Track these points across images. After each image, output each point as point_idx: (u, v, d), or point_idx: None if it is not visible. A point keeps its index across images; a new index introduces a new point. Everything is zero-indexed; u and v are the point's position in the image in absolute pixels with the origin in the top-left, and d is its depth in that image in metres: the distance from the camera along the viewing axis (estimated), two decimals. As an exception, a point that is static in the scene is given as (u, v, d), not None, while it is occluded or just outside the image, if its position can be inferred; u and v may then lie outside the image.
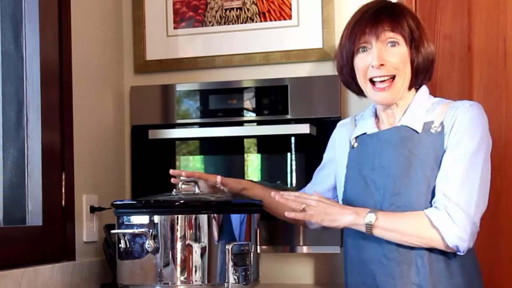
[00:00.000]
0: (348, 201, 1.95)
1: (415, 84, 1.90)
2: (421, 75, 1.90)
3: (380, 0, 1.93)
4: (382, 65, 1.84)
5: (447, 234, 1.77)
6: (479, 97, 2.34)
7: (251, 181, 2.28)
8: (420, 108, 1.89)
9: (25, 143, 2.11)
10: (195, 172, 2.10)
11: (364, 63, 1.86)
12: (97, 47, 2.42)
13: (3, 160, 2.07)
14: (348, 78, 1.95)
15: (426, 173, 1.82)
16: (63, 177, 2.18)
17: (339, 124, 2.10)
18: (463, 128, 1.82)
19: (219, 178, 2.06)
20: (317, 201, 1.85)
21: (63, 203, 2.18)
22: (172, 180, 2.10)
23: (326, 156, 2.12)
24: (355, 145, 1.96)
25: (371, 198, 1.88)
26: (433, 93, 2.36)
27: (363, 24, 1.86)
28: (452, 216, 1.76)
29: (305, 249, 2.35)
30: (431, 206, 1.81)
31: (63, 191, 2.18)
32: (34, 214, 2.10)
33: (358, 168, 1.93)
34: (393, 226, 1.80)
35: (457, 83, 2.37)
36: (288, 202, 1.87)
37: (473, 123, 1.82)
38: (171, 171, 2.09)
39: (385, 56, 1.84)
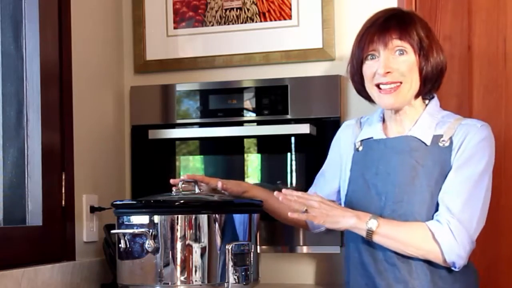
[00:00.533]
0: (350, 204, 1.95)
1: (423, 92, 1.91)
2: (429, 83, 1.90)
3: (391, 9, 1.94)
4: (388, 72, 1.84)
5: (447, 250, 1.79)
6: (479, 97, 2.34)
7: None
8: (431, 121, 1.90)
9: (25, 143, 2.11)
10: (196, 175, 2.10)
11: (371, 70, 1.88)
12: (97, 47, 2.42)
13: (3, 160, 2.07)
14: (359, 86, 1.95)
15: (430, 184, 1.84)
16: (63, 177, 2.18)
17: (344, 124, 2.10)
18: (473, 148, 1.84)
19: (219, 184, 2.06)
20: (319, 203, 1.85)
21: (63, 203, 2.18)
22: (173, 188, 2.10)
23: (329, 157, 2.11)
24: (360, 148, 1.97)
25: (372, 203, 1.89)
26: (433, 93, 2.37)
27: (372, 32, 1.87)
28: (454, 232, 1.79)
29: (305, 249, 2.35)
30: (432, 217, 1.83)
31: (63, 191, 2.18)
32: (34, 214, 2.10)
33: (361, 172, 1.94)
34: (393, 234, 1.81)
35: (457, 83, 2.37)
36: (291, 203, 1.87)
37: (482, 145, 1.85)
38: (172, 181, 2.09)
39: (392, 64, 1.85)
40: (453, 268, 1.83)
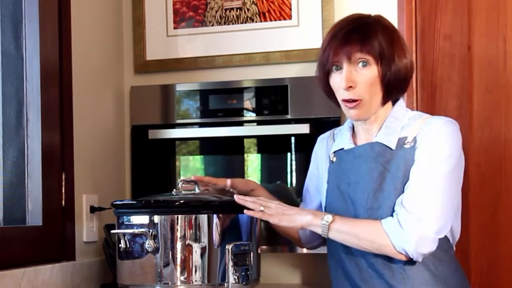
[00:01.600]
0: None
1: (388, 100, 1.91)
2: (393, 91, 1.90)
3: (353, 19, 1.92)
4: (351, 87, 1.85)
5: (393, 237, 1.78)
6: (479, 97, 2.34)
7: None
8: (396, 124, 1.90)
9: (25, 143, 2.11)
10: (204, 177, 2.09)
11: (337, 82, 1.89)
12: (97, 47, 2.42)
13: (3, 160, 2.07)
14: (327, 91, 1.96)
15: (396, 187, 1.83)
16: (63, 177, 2.18)
17: (319, 138, 2.11)
18: (432, 141, 1.83)
19: (228, 182, 2.06)
20: (276, 204, 1.90)
21: (63, 203, 2.18)
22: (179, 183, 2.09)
23: (309, 171, 2.12)
24: (334, 160, 1.98)
25: (347, 213, 1.89)
26: (433, 93, 2.38)
27: (335, 46, 1.87)
28: (400, 221, 1.78)
29: (304, 249, 2.35)
30: None
31: (63, 191, 2.18)
32: (34, 214, 2.10)
33: (336, 183, 1.95)
34: (348, 230, 1.82)
35: (457, 83, 2.37)
36: (247, 203, 1.90)
37: (443, 138, 1.83)
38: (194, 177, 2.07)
39: (354, 77, 1.85)
40: (415, 260, 1.80)
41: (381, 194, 1.84)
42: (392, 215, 1.81)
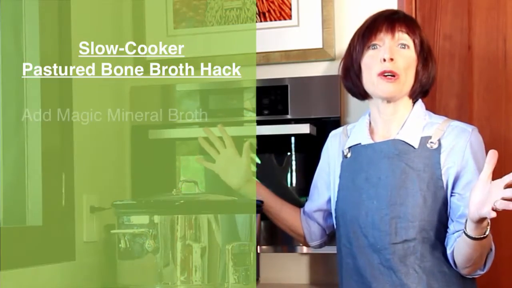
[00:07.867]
0: (340, 210, 1.97)
1: (415, 92, 1.93)
2: (423, 85, 1.93)
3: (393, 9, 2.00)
4: (392, 59, 1.86)
5: (490, 258, 1.84)
6: (479, 97, 2.34)
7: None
8: (418, 123, 1.92)
9: (25, 143, 2.11)
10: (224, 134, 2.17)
11: (374, 58, 1.89)
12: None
13: (3, 160, 2.07)
14: (354, 79, 1.96)
15: (422, 187, 1.84)
16: (63, 177, 2.18)
17: (331, 134, 2.11)
18: (476, 152, 1.87)
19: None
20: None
21: (63, 203, 2.18)
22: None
23: (319, 167, 2.12)
24: (348, 155, 1.98)
25: (363, 207, 1.89)
26: (433, 93, 2.37)
27: (380, 22, 1.90)
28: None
29: (305, 249, 2.35)
30: (425, 220, 1.83)
31: (63, 191, 2.17)
32: (34, 214, 2.10)
33: (351, 178, 1.95)
34: (485, 245, 1.79)
35: (457, 83, 2.37)
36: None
37: (482, 147, 1.89)
38: (205, 129, 2.16)
39: (395, 53, 1.88)
40: (474, 276, 1.86)
41: (404, 191, 1.85)
42: (422, 215, 1.82)
